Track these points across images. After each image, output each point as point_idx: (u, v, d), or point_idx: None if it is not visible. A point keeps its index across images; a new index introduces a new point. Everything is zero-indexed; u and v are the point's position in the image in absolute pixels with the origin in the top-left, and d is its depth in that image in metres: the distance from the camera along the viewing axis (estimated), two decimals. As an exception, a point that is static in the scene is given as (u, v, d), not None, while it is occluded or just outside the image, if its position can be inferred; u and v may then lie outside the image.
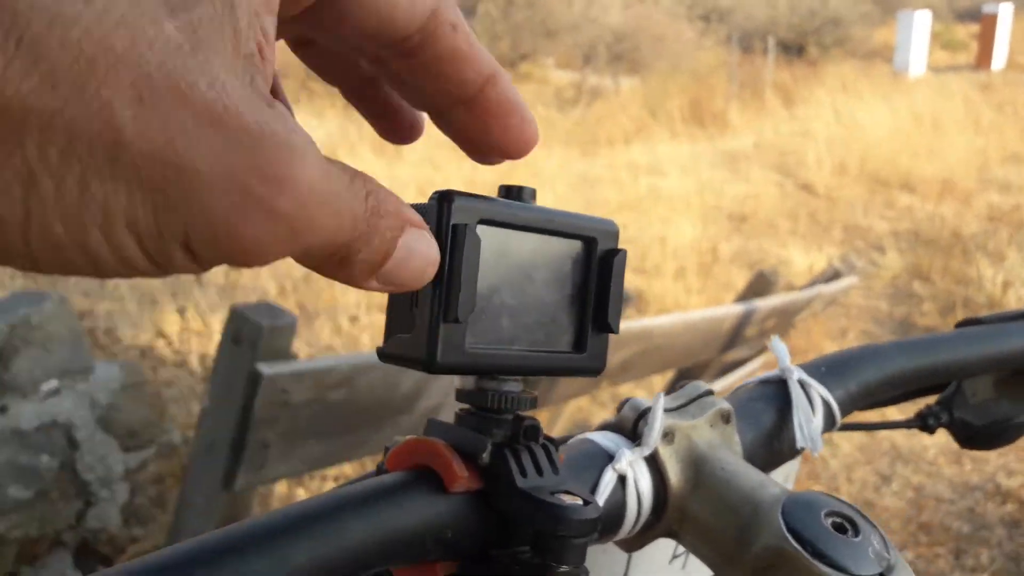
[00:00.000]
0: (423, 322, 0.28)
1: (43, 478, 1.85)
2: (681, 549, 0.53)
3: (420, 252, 0.26)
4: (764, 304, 2.44)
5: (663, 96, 9.29)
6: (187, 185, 0.19)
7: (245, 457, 1.22)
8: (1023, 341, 0.59)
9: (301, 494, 2.36)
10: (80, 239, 0.19)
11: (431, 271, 0.27)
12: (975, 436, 0.61)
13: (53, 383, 1.91)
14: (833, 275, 2.91)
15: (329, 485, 2.37)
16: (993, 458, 3.36)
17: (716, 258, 5.18)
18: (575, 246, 0.32)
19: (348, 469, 2.34)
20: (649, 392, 2.97)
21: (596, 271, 0.33)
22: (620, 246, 0.33)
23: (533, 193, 0.32)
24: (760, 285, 2.68)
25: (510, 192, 0.31)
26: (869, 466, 3.27)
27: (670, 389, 0.43)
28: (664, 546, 0.52)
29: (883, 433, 3.53)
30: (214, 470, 1.29)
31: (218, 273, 3.37)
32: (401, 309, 0.30)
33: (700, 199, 6.40)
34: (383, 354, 0.30)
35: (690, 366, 2.63)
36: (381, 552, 0.28)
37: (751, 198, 6.61)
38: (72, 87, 0.17)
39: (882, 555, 0.35)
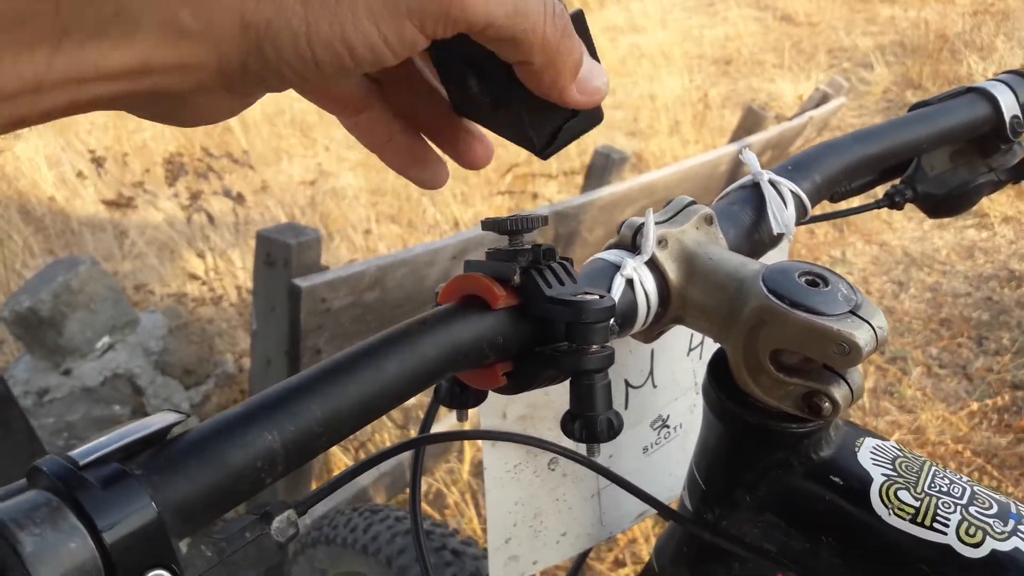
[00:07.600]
0: (536, 124, 0.35)
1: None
2: (696, 340, 0.62)
3: (597, 70, 0.33)
4: (756, 139, 2.47)
5: (627, -50, 8.96)
6: None
7: (302, 365, 1.32)
8: (969, 113, 0.65)
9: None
10: (339, 32, 0.25)
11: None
12: (940, 204, 0.68)
13: (106, 339, 2.00)
14: (822, 99, 2.90)
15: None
16: (1004, 246, 3.41)
17: (707, 106, 5.13)
18: None
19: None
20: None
21: None
22: (609, 110, 0.40)
23: None
24: (750, 122, 2.68)
25: None
26: (885, 276, 3.31)
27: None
28: (680, 340, 0.61)
29: (895, 242, 3.57)
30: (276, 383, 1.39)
31: (227, 212, 3.43)
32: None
33: (682, 49, 6.28)
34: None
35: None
36: (450, 362, 0.36)
37: (732, 39, 6.48)
38: None
39: (850, 298, 0.42)
